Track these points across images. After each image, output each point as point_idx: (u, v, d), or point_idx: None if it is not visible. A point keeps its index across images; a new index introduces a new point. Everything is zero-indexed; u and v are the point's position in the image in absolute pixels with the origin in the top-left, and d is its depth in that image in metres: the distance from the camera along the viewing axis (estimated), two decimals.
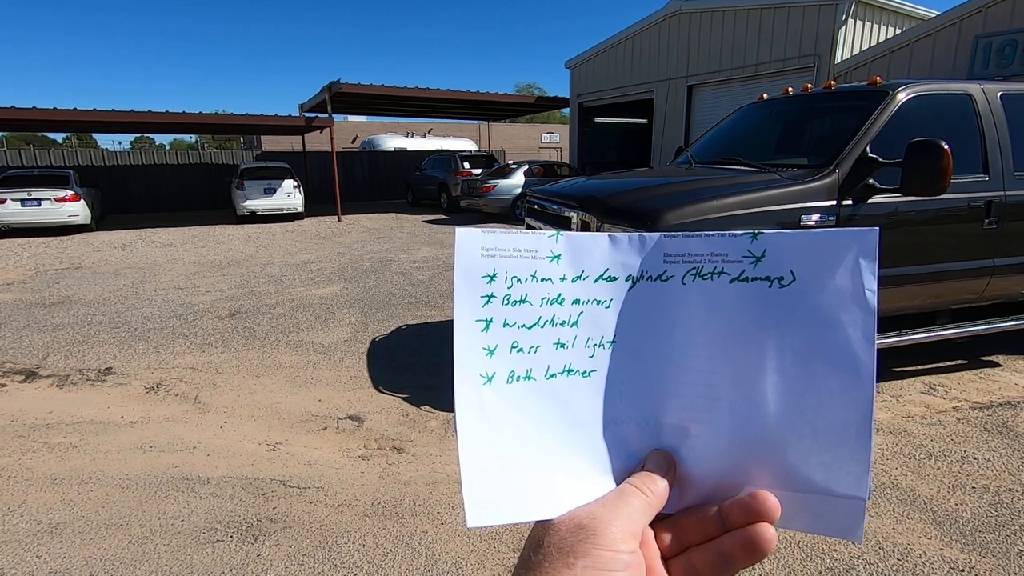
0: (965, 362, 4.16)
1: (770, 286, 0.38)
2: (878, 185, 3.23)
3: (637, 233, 0.41)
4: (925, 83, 3.59)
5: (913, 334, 3.55)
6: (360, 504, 2.59)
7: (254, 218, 14.94)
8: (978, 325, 3.75)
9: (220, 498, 2.64)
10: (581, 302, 0.41)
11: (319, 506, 2.58)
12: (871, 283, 0.36)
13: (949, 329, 3.67)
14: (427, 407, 3.59)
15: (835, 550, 2.21)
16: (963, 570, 2.10)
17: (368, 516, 2.50)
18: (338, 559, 2.23)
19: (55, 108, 13.00)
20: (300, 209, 15.15)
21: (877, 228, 0.36)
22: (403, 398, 3.74)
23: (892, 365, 4.06)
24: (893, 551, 2.21)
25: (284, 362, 4.44)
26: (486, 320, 0.39)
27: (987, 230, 3.56)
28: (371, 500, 2.62)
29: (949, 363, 4.15)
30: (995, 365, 4.11)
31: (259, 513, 2.53)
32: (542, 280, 0.40)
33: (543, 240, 0.40)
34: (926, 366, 4.09)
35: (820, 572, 2.10)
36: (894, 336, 3.49)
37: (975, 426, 3.22)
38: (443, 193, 16.64)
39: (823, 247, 0.37)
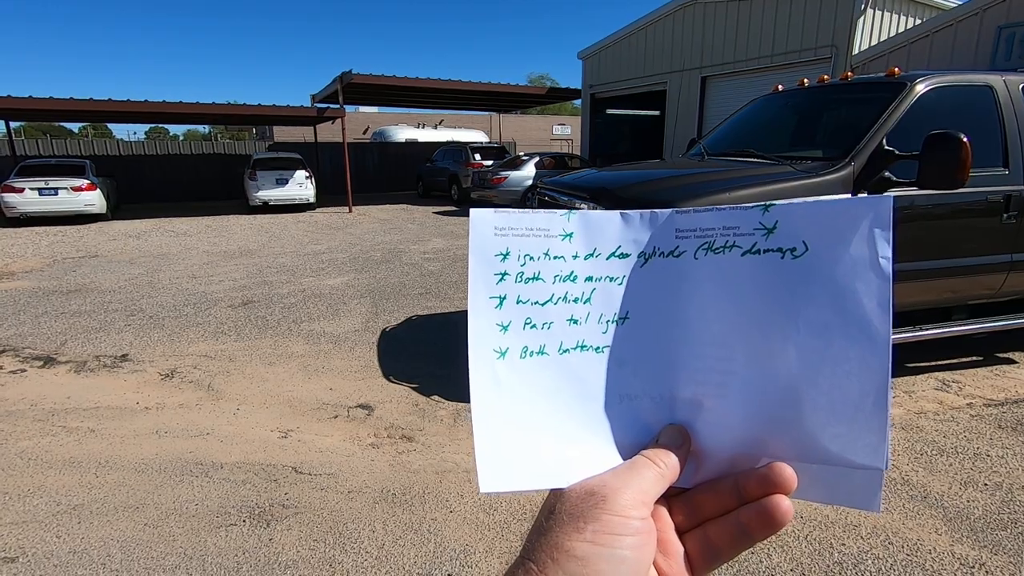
0: (980, 359, 4.11)
1: (782, 257, 0.38)
2: (894, 178, 3.18)
3: (648, 210, 0.41)
4: (944, 74, 3.52)
5: (928, 330, 3.51)
6: (370, 491, 2.62)
7: (266, 208, 15.04)
8: (994, 321, 3.69)
9: (233, 483, 2.69)
10: (594, 279, 0.41)
11: (330, 492, 2.61)
12: (886, 251, 0.35)
13: (965, 325, 3.62)
14: (437, 397, 3.62)
15: (843, 544, 2.21)
16: (973, 567, 2.09)
17: (378, 503, 2.53)
18: (348, 544, 2.26)
19: (71, 98, 13.16)
20: (311, 200, 15.22)
21: (891, 195, 0.36)
22: (413, 388, 3.77)
23: (906, 361, 4.02)
24: (903, 546, 2.20)
25: (296, 351, 4.49)
26: (500, 297, 0.40)
27: (1006, 225, 3.50)
28: (381, 487, 2.65)
29: (964, 359, 4.10)
30: (1011, 362, 4.05)
31: (271, 498, 2.57)
32: (555, 258, 0.41)
33: (555, 219, 0.41)
34: (940, 362, 4.04)
35: (828, 566, 2.10)
36: (908, 331, 3.45)
37: (989, 423, 3.18)
38: (454, 184, 16.64)
39: (836, 216, 0.36)
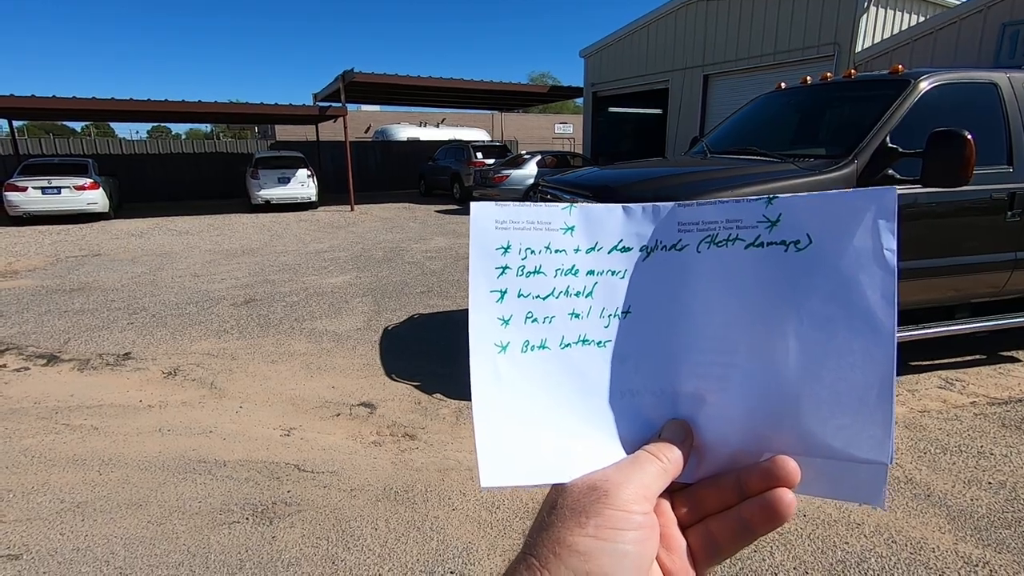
0: (984, 357, 4.10)
1: (786, 250, 0.37)
2: (898, 176, 3.17)
3: (651, 204, 0.41)
4: (948, 72, 3.50)
5: (931, 328, 3.49)
6: (373, 489, 2.62)
7: (268, 207, 15.06)
8: (998, 320, 3.68)
9: (236, 481, 2.69)
10: (596, 273, 0.41)
11: (333, 490, 2.62)
12: (890, 243, 0.35)
13: (968, 323, 3.61)
14: (439, 395, 3.62)
15: (846, 542, 2.20)
16: (977, 565, 2.08)
17: (380, 501, 2.53)
18: (351, 542, 2.27)
19: (74, 97, 13.20)
20: (314, 198, 15.24)
21: (895, 187, 0.35)
22: (415, 386, 3.77)
23: (909, 359, 4.01)
24: (906, 545, 2.19)
25: (298, 349, 4.49)
26: (501, 291, 0.39)
27: (1010, 223, 3.49)
28: (383, 485, 2.65)
29: (967, 358, 4.08)
30: (1015, 360, 4.04)
31: (274, 496, 2.57)
32: (556, 251, 0.40)
33: (557, 212, 0.41)
34: (944, 361, 4.03)
35: (832, 564, 2.10)
36: (911, 330, 3.44)
37: (993, 422, 3.17)
38: (456, 183, 16.64)
39: (839, 209, 0.36)
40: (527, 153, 15.09)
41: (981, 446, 2.91)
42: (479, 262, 0.39)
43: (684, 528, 0.38)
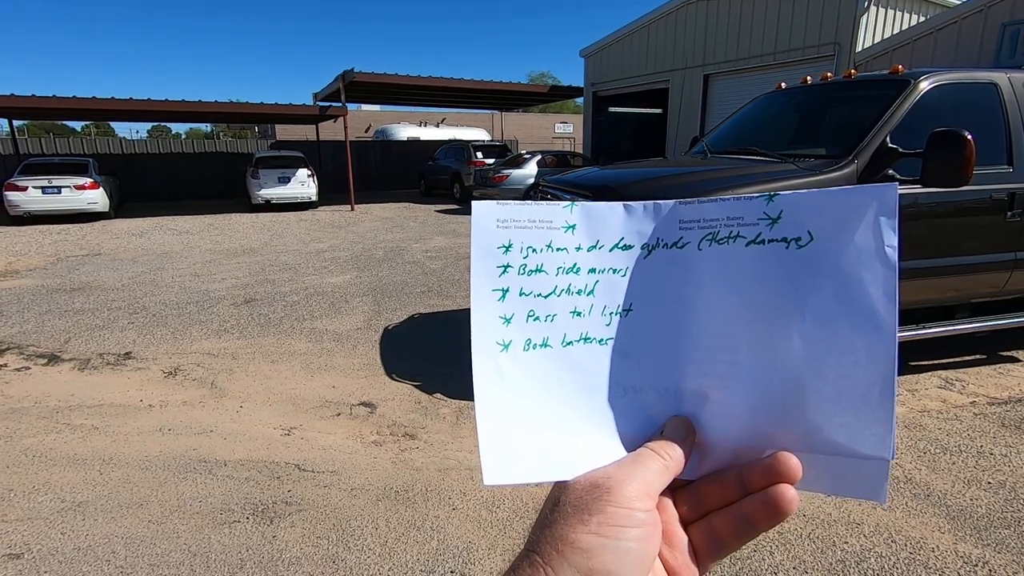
0: (984, 357, 4.10)
1: (787, 247, 0.37)
2: (898, 176, 3.17)
3: (652, 202, 0.41)
4: (949, 72, 3.51)
5: (931, 328, 3.50)
6: (373, 489, 2.63)
7: (268, 207, 15.06)
8: (998, 320, 3.68)
9: (237, 480, 2.70)
10: (597, 271, 0.41)
11: (333, 490, 2.62)
12: (891, 239, 0.35)
13: (968, 323, 3.62)
14: (439, 395, 3.62)
15: (846, 542, 2.20)
16: (977, 564, 2.08)
17: (381, 500, 2.54)
18: (352, 541, 2.27)
19: (74, 97, 13.20)
20: (314, 198, 15.24)
21: (896, 183, 0.35)
22: (415, 385, 3.78)
23: (909, 359, 4.01)
24: (906, 544, 2.19)
25: (298, 349, 4.49)
26: (502, 289, 0.39)
27: (1010, 223, 3.49)
28: (384, 485, 2.65)
29: (967, 358, 4.09)
30: (1015, 360, 4.04)
31: (275, 495, 2.57)
32: (557, 250, 0.40)
33: (558, 210, 0.41)
34: (943, 361, 4.03)
35: (831, 564, 2.10)
36: (911, 330, 3.45)
37: (992, 421, 3.17)
38: (456, 183, 16.64)
39: (840, 205, 0.36)
40: (527, 153, 15.10)
41: (981, 446, 2.91)
42: (481, 261, 0.39)
43: (686, 524, 0.38)
